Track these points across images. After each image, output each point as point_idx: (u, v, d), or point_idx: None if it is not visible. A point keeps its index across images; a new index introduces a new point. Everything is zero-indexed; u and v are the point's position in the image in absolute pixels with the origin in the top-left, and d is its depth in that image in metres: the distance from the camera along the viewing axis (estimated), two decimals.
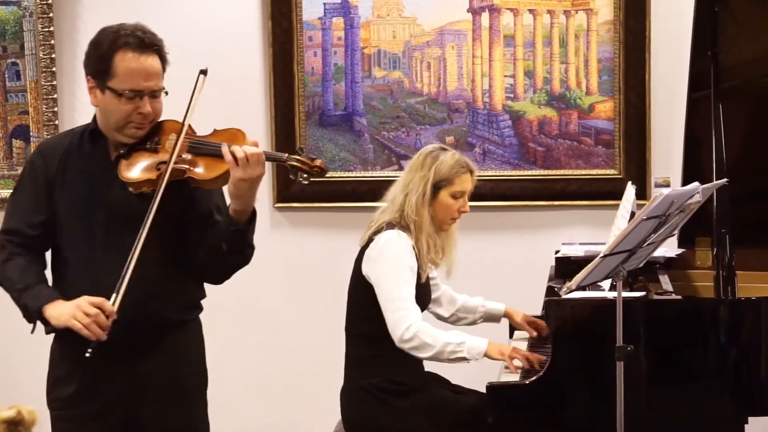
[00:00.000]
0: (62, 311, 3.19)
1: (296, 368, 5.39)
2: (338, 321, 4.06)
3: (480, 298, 4.30)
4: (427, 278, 4.02)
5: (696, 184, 3.57)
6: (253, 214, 3.25)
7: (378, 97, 5.30)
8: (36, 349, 5.53)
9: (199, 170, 3.23)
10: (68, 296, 3.28)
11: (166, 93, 3.31)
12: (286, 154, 3.27)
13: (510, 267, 5.23)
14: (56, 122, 5.38)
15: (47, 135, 5.37)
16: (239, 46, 5.24)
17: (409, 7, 5.24)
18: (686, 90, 4.55)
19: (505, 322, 4.36)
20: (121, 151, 3.29)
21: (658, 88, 5.11)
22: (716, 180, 3.97)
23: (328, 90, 5.32)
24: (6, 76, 5.41)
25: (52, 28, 5.34)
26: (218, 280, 3.47)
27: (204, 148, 3.25)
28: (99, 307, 3.12)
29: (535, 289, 4.51)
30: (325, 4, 5.27)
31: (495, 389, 3.74)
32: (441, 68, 5.25)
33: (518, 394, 3.74)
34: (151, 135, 3.31)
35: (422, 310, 4.02)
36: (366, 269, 3.90)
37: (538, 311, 4.31)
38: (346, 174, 5.28)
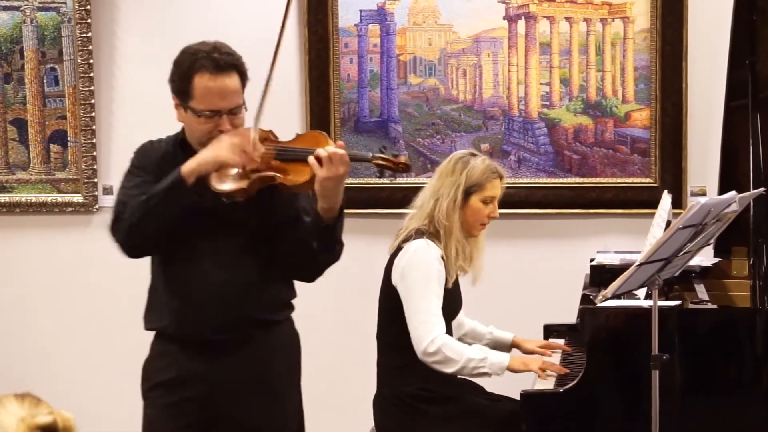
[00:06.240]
0: (209, 149, 3.26)
1: (329, 375, 5.39)
2: (372, 328, 4.07)
3: (492, 327, 4.27)
4: (456, 284, 4.01)
5: (733, 193, 3.55)
6: (341, 210, 3.34)
7: (413, 104, 5.30)
8: (77, 352, 5.58)
9: (288, 176, 3.31)
10: (169, 300, 3.43)
11: (246, 108, 3.39)
12: (371, 154, 3.34)
13: (545, 275, 5.22)
14: (93, 127, 5.42)
15: (84, 140, 5.41)
16: None
17: (445, 14, 5.25)
18: (723, 99, 4.53)
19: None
20: None
21: (694, 97, 5.09)
22: (753, 189, 3.95)
23: (364, 97, 5.33)
24: (45, 81, 5.45)
25: (90, 34, 5.38)
26: (310, 278, 3.54)
27: (290, 154, 3.32)
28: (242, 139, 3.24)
29: (569, 297, 4.50)
30: (361, 11, 5.29)
31: (529, 397, 3.74)
32: (477, 75, 5.25)
33: (552, 402, 3.73)
34: None
35: (453, 317, 4.02)
36: (395, 279, 3.90)
37: (573, 319, 4.30)
38: (381, 181, 5.26)
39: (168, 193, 3.27)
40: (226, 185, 3.31)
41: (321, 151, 3.22)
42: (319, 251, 3.36)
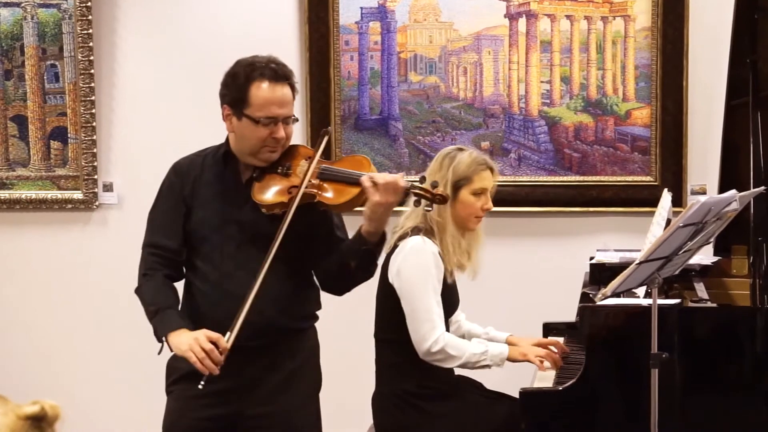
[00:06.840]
0: (181, 341, 3.38)
1: (328, 373, 5.38)
2: (370, 326, 4.06)
3: (490, 328, 4.25)
4: (453, 281, 4.00)
5: (733, 191, 3.55)
6: (383, 235, 3.47)
7: (414, 101, 5.30)
8: (76, 349, 5.57)
9: (328, 195, 3.43)
10: (201, 308, 3.53)
11: (296, 120, 3.50)
12: (410, 183, 3.43)
13: (544, 273, 5.22)
14: (93, 124, 5.42)
15: (85, 137, 5.41)
16: (276, 51, 5.22)
17: (446, 12, 5.24)
18: (724, 97, 4.52)
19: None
20: (254, 174, 3.49)
21: (695, 95, 5.09)
22: (753, 188, 3.95)
23: (364, 94, 5.33)
24: (45, 78, 5.45)
25: (90, 31, 5.37)
26: (341, 292, 3.71)
27: (333, 175, 3.44)
28: (215, 343, 3.32)
29: (569, 295, 4.49)
30: (362, 8, 5.29)
31: (528, 395, 3.73)
32: (477, 73, 5.25)
33: (551, 401, 3.73)
34: (282, 160, 3.50)
35: (451, 314, 4.01)
36: (392, 277, 3.89)
37: (572, 318, 4.30)
38: None
39: (152, 322, 3.51)
40: (268, 197, 3.44)
41: (378, 177, 3.36)
42: (355, 270, 3.50)
